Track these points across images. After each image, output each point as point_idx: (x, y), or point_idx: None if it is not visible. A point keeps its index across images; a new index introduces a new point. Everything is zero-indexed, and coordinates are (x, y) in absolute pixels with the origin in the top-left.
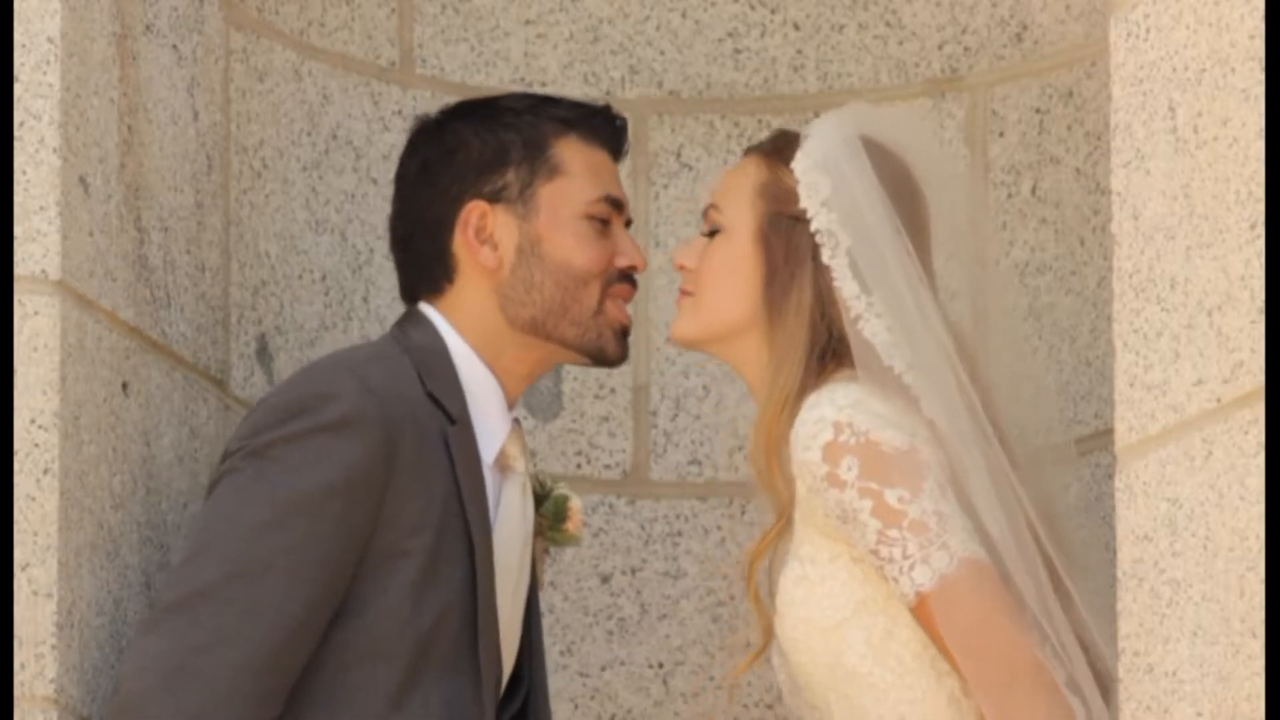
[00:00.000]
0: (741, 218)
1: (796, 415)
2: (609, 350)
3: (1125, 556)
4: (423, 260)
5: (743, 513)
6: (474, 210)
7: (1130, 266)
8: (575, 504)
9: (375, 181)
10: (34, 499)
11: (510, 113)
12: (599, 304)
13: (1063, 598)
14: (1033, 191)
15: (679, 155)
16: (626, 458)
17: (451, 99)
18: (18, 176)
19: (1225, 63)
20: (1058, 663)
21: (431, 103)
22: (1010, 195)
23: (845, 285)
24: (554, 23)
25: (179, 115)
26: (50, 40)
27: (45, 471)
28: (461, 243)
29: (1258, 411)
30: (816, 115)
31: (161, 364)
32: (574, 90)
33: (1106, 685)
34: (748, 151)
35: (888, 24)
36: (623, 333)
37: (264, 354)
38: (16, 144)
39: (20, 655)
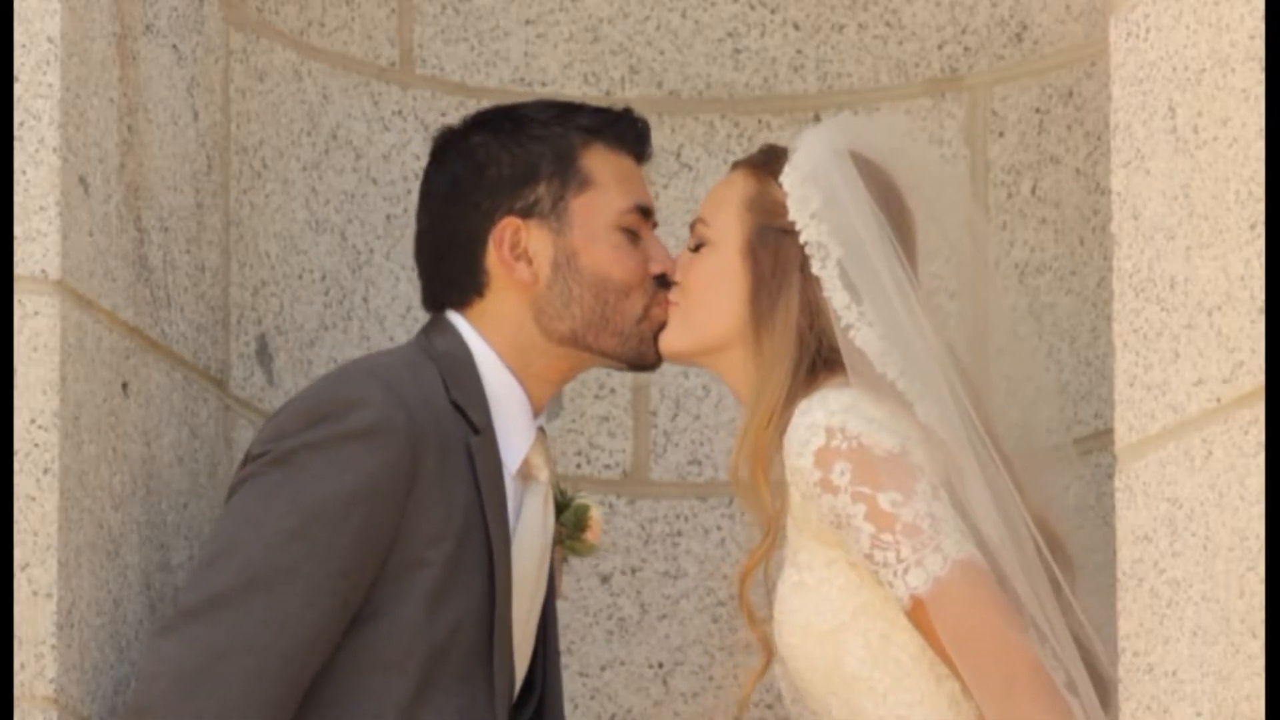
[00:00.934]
0: (729, 231)
1: (785, 426)
2: (649, 356)
3: (1125, 556)
4: (453, 275)
5: (743, 513)
6: (508, 227)
7: (1130, 266)
8: (595, 514)
9: (375, 181)
10: (34, 499)
11: (536, 124)
12: (643, 313)
13: (1060, 599)
14: (1033, 191)
15: (679, 155)
16: (626, 458)
17: (451, 99)
18: (18, 176)
19: (1225, 63)
20: (1055, 664)
21: (431, 103)
22: (1010, 195)
23: (836, 296)
24: (554, 23)
25: (179, 115)
26: (50, 40)
27: (45, 471)
28: (495, 259)
29: (1258, 411)
30: (816, 115)
31: (161, 364)
32: (574, 90)
33: (1104, 687)
34: (735, 165)
35: (888, 24)
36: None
37: (264, 354)
38: (16, 144)
39: (20, 655)
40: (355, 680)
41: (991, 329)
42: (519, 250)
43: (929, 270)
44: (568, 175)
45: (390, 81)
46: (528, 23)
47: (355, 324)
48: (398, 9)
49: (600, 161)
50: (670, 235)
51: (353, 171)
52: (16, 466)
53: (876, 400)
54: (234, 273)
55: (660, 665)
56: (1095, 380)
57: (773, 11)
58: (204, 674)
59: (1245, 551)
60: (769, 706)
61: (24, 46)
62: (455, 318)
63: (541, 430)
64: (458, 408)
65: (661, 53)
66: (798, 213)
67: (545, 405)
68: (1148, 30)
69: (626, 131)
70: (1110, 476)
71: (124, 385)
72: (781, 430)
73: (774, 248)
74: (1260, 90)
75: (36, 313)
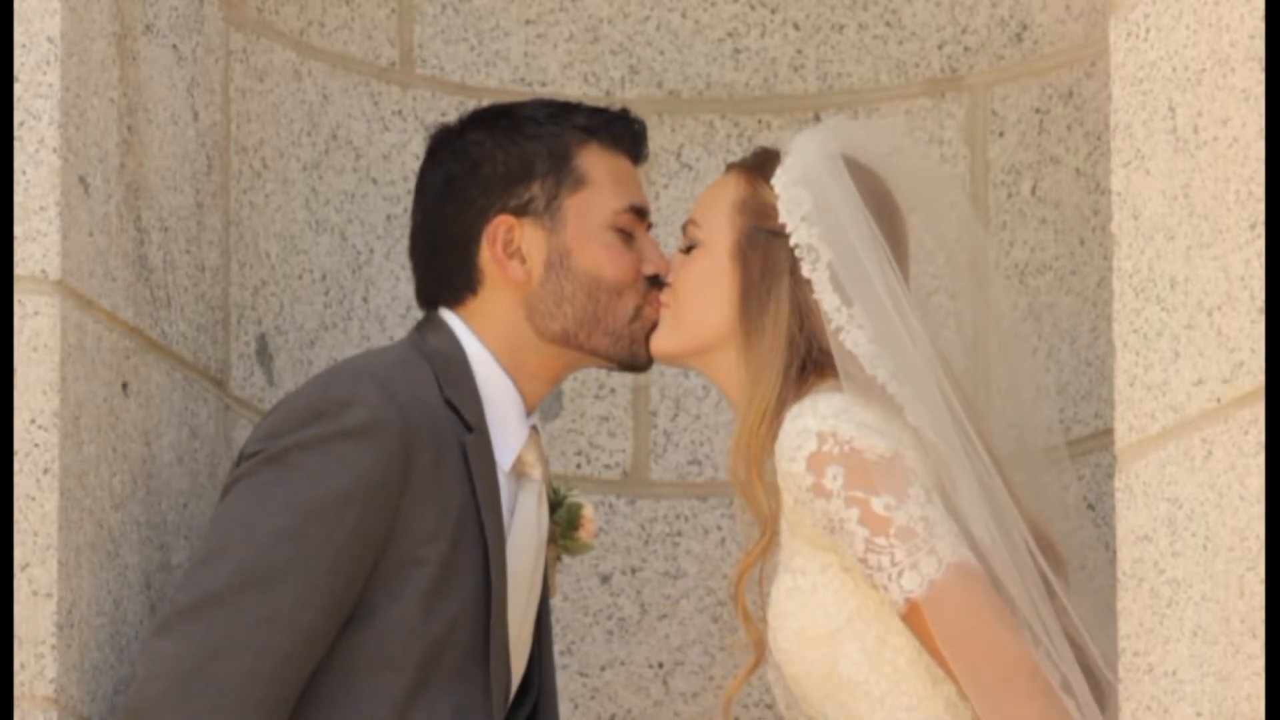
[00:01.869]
0: (720, 233)
1: (777, 428)
2: (641, 356)
3: (1125, 556)
4: (447, 272)
5: (743, 512)
6: (501, 224)
7: (1130, 266)
8: (589, 512)
9: (375, 181)
10: (34, 499)
11: (532, 123)
12: (636, 313)
13: (1055, 601)
14: (1033, 191)
15: (679, 155)
16: (626, 458)
17: (451, 99)
18: (18, 176)
19: (1225, 63)
20: (1050, 665)
21: (431, 103)
22: (1010, 195)
23: (826, 298)
24: (554, 23)
25: (179, 115)
26: (50, 40)
27: (45, 471)
28: (489, 257)
29: (1258, 411)
30: (816, 115)
31: (161, 364)
32: (574, 90)
33: (1099, 688)
34: (728, 168)
35: (888, 24)
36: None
37: (264, 354)
38: (16, 144)
39: (20, 655)
40: (351, 679)
41: (991, 329)
42: (512, 248)
43: (928, 270)
44: (562, 174)
45: (390, 81)
46: (528, 23)
47: (355, 324)
48: (398, 9)
49: (595, 161)
50: (671, 235)
51: (353, 171)
52: (16, 466)
53: (867, 404)
54: (234, 273)
55: (660, 665)
56: (1095, 380)
57: (773, 11)
58: (199, 673)
59: (1245, 551)
60: (769, 706)
61: (24, 46)
62: (448, 315)
63: (534, 428)
64: (451, 406)
65: (661, 53)
66: (788, 215)
67: (538, 403)
68: (1148, 30)
69: (622, 132)
70: (1110, 476)
71: (124, 385)
72: (773, 433)
73: (764, 250)
74: (1260, 90)
75: (36, 313)
